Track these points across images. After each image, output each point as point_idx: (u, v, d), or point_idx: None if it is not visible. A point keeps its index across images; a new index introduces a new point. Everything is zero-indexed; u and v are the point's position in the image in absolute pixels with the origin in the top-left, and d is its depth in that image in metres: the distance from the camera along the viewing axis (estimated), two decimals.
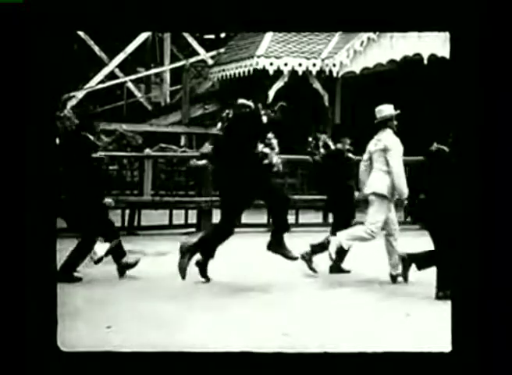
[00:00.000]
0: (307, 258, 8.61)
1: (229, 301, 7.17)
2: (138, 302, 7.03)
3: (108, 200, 8.33)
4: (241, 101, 7.99)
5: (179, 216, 12.18)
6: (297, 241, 8.60)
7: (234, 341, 5.68)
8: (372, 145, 8.26)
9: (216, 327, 6.21)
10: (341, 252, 8.37)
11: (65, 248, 7.64)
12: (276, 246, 7.99)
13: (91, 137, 8.10)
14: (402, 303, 7.20)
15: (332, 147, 9.18)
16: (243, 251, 9.56)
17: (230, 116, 8.00)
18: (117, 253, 8.19)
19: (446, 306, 5.20)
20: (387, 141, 8.12)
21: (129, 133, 14.41)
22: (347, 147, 9.06)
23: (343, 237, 8.17)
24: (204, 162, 9.08)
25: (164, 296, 7.27)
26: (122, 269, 8.20)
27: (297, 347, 5.38)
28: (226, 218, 8.02)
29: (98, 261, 8.01)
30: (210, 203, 11.70)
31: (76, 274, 7.82)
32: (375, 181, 8.15)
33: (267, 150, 7.88)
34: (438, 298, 7.21)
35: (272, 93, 15.59)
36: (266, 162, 7.88)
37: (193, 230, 11.82)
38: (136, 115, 19.18)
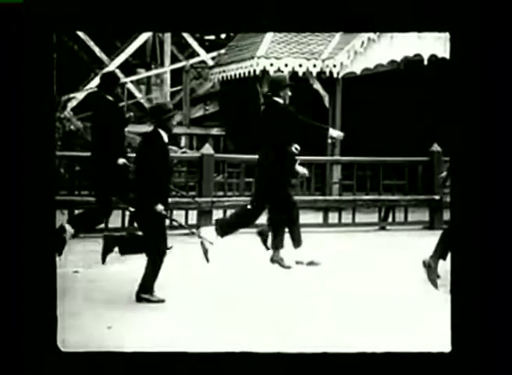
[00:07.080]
0: None
1: (233, 300, 7.21)
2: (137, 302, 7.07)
3: None
4: None
5: (179, 217, 12.12)
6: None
7: (236, 340, 5.69)
8: None
9: (219, 327, 6.22)
10: None
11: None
12: None
13: None
14: (402, 303, 7.21)
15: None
16: (244, 251, 9.56)
17: None
18: None
19: (446, 306, 5.20)
20: None
21: (130, 134, 14.39)
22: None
23: None
24: None
25: (162, 296, 7.28)
26: None
27: (297, 347, 5.39)
28: None
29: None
30: (210, 203, 11.68)
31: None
32: None
33: None
34: None
35: None
36: None
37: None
38: (136, 115, 19.15)
